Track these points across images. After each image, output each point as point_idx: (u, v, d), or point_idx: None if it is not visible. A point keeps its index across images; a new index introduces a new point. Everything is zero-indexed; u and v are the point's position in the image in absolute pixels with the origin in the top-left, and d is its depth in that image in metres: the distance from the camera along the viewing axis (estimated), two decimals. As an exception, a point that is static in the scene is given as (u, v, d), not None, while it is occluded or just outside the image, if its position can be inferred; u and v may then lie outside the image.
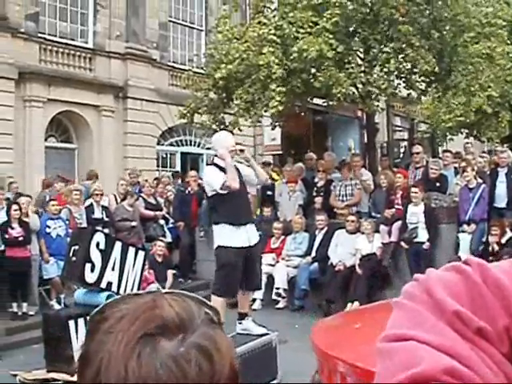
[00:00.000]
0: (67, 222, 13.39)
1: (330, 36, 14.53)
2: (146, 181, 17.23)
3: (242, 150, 8.19)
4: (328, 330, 2.87)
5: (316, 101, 18.57)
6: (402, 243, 12.94)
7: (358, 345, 2.42)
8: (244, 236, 7.78)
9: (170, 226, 15.83)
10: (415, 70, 16.03)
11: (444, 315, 0.93)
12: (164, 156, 23.74)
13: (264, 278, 13.42)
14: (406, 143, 30.39)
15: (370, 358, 2.06)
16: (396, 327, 0.95)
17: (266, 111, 15.92)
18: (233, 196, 7.74)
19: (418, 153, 14.85)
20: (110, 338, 0.92)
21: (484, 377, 0.87)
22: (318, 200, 14.80)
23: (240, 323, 8.04)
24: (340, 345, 2.62)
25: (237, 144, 8.33)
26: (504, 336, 0.92)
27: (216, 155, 8.16)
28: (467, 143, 17.96)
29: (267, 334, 8.03)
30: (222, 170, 7.81)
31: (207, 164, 8.51)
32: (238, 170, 8.04)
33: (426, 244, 12.68)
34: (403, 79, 16.94)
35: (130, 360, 0.88)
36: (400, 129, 30.91)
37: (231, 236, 7.75)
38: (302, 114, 19.96)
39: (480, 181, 13.13)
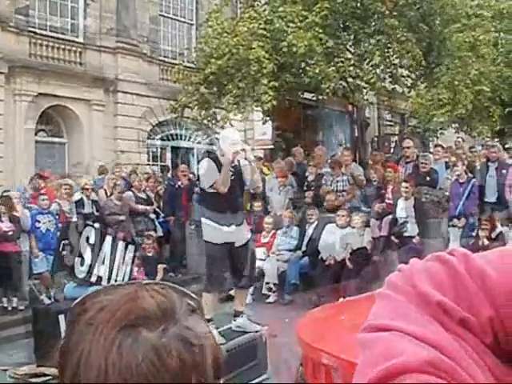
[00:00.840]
0: (57, 217, 13.34)
1: (320, 30, 14.52)
2: (137, 175, 17.22)
3: (243, 150, 8.07)
4: (313, 322, 2.88)
5: (307, 95, 18.57)
6: (393, 237, 12.96)
7: (341, 337, 2.42)
8: (226, 235, 7.72)
9: (161, 220, 15.80)
10: (401, 63, 16.04)
11: (427, 306, 0.92)
12: (154, 150, 23.67)
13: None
14: (396, 138, 30.42)
15: (354, 349, 2.07)
16: (378, 318, 0.95)
17: (257, 106, 15.91)
18: (222, 195, 7.71)
19: (408, 147, 14.84)
20: (91, 330, 0.91)
21: (466, 368, 0.86)
22: (309, 194, 14.81)
23: (235, 320, 8.03)
24: (324, 337, 2.62)
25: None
26: (487, 327, 0.92)
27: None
28: (458, 138, 18.00)
29: (260, 330, 8.03)
30: (221, 166, 7.77)
31: (208, 156, 8.41)
32: (240, 168, 7.99)
33: (416, 238, 12.70)
34: (389, 73, 16.95)
35: (110, 352, 0.88)
36: (391, 123, 30.92)
37: (214, 233, 7.72)
38: (293, 108, 19.96)
39: (470, 175, 13.16)
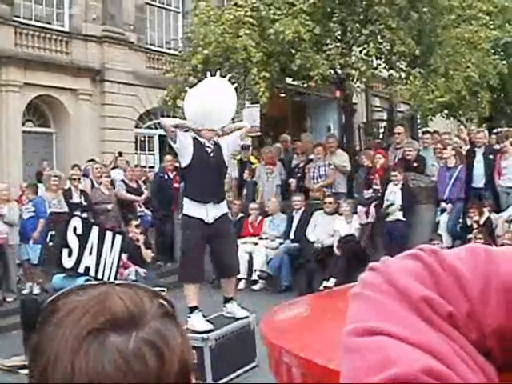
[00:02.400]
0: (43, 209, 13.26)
1: (307, 18, 14.48)
2: (128, 164, 17.20)
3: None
4: (277, 318, 2.87)
5: (295, 82, 18.53)
6: (381, 221, 12.97)
7: (302, 334, 2.40)
8: (204, 212, 7.73)
9: (151, 208, 15.80)
10: (394, 51, 15.99)
11: (412, 303, 0.91)
12: (142, 139, 23.63)
13: (244, 260, 13.51)
14: (385, 124, 30.41)
15: (313, 348, 2.08)
16: (362, 320, 0.92)
17: (249, 96, 15.88)
18: (201, 173, 7.71)
19: (399, 133, 14.84)
20: (59, 332, 0.90)
21: (461, 373, 0.85)
22: (293, 182, 14.84)
23: (224, 307, 8.07)
24: (285, 334, 2.61)
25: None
26: (469, 322, 0.91)
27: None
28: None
29: (247, 317, 8.05)
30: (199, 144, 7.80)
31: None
32: (219, 146, 7.98)
33: (398, 214, 12.69)
34: (383, 60, 16.91)
35: (76, 355, 0.87)
36: (379, 109, 30.91)
37: (193, 209, 7.72)
38: (281, 95, 19.92)
39: (458, 161, 13.18)
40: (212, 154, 7.89)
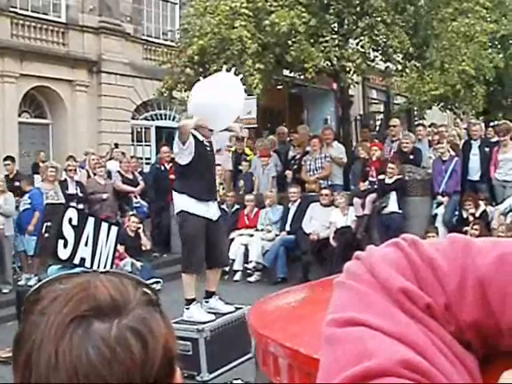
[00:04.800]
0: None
1: (303, 9, 14.44)
2: (124, 155, 17.18)
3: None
4: (264, 308, 2.87)
5: (291, 73, 18.50)
6: (377, 214, 12.98)
7: (288, 324, 2.40)
8: (205, 208, 7.74)
9: (147, 200, 15.78)
10: (389, 44, 15.95)
11: (391, 294, 0.91)
12: (139, 130, 23.63)
13: (240, 252, 13.53)
14: (381, 116, 30.41)
15: (299, 338, 2.08)
16: (343, 310, 0.92)
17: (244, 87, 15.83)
18: (202, 172, 7.70)
19: (394, 126, 14.83)
20: (43, 320, 0.90)
21: (439, 365, 0.85)
22: (289, 173, 14.83)
23: (207, 302, 8.01)
24: (272, 324, 2.61)
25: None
26: (447, 314, 0.91)
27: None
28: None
29: (234, 311, 8.02)
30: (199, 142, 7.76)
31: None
32: (211, 144, 7.99)
33: (398, 216, 12.72)
34: (380, 52, 16.88)
35: (60, 343, 0.87)
36: (376, 101, 30.90)
37: (194, 206, 7.69)
38: (278, 86, 19.89)
39: (453, 153, 13.18)
40: (209, 152, 7.92)
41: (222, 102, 7.56)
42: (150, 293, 0.98)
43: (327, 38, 15.36)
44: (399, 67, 17.56)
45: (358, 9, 15.70)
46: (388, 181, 12.92)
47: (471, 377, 0.90)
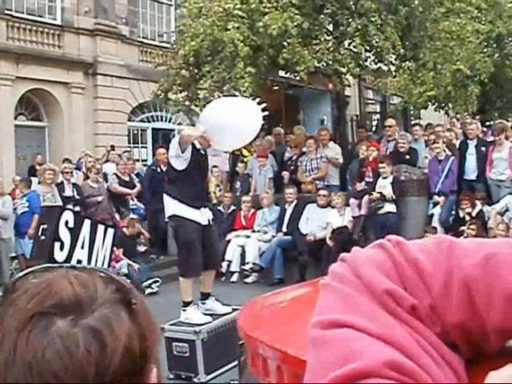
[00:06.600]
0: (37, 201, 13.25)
1: (296, 11, 14.43)
2: (120, 157, 17.16)
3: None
4: (254, 309, 2.86)
5: (288, 75, 18.50)
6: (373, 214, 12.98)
7: (277, 326, 2.40)
8: (198, 213, 7.73)
9: (143, 201, 15.78)
10: (381, 45, 15.96)
11: (376, 296, 0.91)
12: (135, 132, 23.62)
13: (237, 253, 13.53)
14: (378, 116, 30.43)
15: (287, 339, 2.08)
16: (328, 312, 0.92)
17: (236, 90, 15.82)
18: (196, 179, 7.71)
19: (390, 126, 14.85)
20: (10, 311, 0.90)
21: (425, 366, 0.86)
22: (286, 174, 14.83)
23: (204, 303, 8.01)
24: (261, 325, 2.61)
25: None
26: (432, 315, 0.91)
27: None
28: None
29: (231, 313, 8.00)
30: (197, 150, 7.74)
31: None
32: (205, 152, 7.99)
33: (394, 216, 12.71)
34: (373, 53, 16.88)
35: (19, 337, 0.87)
36: (372, 102, 30.92)
37: (187, 211, 7.68)
38: (274, 88, 19.89)
39: (449, 153, 13.18)
40: (204, 160, 7.94)
41: (234, 129, 7.44)
42: (122, 290, 0.96)
43: (320, 41, 15.36)
44: (392, 68, 17.57)
45: (352, 9, 15.68)
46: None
47: (457, 377, 0.90)
